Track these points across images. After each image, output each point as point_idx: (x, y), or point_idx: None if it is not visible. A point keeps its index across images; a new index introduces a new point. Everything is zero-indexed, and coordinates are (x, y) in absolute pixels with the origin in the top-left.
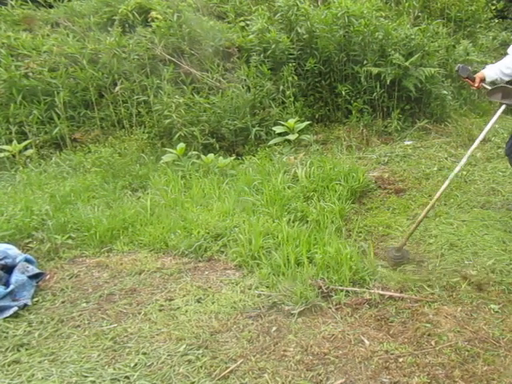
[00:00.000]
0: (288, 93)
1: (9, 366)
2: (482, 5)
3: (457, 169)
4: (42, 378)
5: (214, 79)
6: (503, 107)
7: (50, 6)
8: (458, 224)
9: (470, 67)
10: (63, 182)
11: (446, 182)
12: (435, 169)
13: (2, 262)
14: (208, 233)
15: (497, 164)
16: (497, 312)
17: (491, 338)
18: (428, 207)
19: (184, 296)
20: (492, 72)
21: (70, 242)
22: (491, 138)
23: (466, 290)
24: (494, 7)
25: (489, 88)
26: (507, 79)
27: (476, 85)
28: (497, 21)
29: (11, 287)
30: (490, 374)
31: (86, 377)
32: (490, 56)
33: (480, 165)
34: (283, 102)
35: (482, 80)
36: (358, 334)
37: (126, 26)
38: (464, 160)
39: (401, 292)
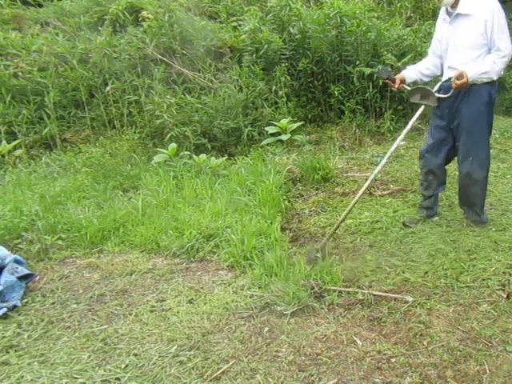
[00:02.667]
0: (280, 93)
1: None
2: None
3: (377, 169)
4: (32, 380)
5: (205, 79)
6: (422, 108)
7: (40, 6)
8: (450, 224)
9: (390, 68)
10: (53, 182)
11: (368, 182)
12: None
13: None
14: (200, 233)
15: None
16: (489, 312)
17: (483, 338)
18: (351, 204)
19: (176, 297)
20: (412, 73)
21: (60, 242)
22: None
23: (459, 290)
24: None
25: (409, 89)
26: (427, 80)
27: (396, 86)
28: None
29: (0, 288)
30: (481, 374)
31: (76, 378)
32: None
33: None
34: (276, 103)
35: (403, 81)
36: (350, 335)
37: (117, 25)
38: (384, 160)
39: (394, 293)
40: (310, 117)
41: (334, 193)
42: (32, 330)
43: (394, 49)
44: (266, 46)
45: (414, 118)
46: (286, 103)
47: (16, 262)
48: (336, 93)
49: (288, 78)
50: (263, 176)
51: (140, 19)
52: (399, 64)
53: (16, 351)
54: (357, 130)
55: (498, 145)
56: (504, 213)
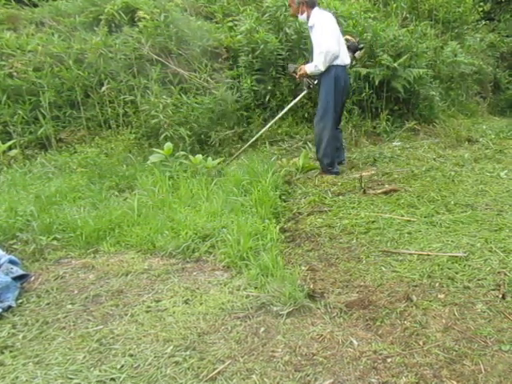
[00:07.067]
0: (277, 94)
1: None
2: (469, 6)
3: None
4: (27, 381)
5: (201, 79)
6: (304, 93)
7: (35, 6)
8: (446, 225)
9: (296, 65)
10: (48, 182)
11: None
12: (423, 169)
13: None
14: (196, 233)
15: (484, 165)
16: (484, 312)
17: (479, 338)
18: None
19: (171, 297)
20: (309, 67)
21: (55, 243)
22: (479, 138)
23: (454, 290)
24: (481, 9)
25: (308, 80)
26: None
27: (297, 76)
28: (484, 22)
29: None
30: (477, 374)
31: (71, 379)
32: (478, 57)
33: (468, 165)
34: (272, 102)
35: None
36: (346, 335)
37: (113, 25)
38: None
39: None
40: (306, 116)
41: (330, 192)
42: (27, 331)
43: (389, 49)
44: (262, 47)
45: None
46: (283, 104)
47: (11, 262)
48: None
49: (284, 78)
50: (260, 176)
51: (136, 19)
52: (395, 64)
53: (11, 352)
54: (353, 131)
55: (493, 145)
56: (499, 213)
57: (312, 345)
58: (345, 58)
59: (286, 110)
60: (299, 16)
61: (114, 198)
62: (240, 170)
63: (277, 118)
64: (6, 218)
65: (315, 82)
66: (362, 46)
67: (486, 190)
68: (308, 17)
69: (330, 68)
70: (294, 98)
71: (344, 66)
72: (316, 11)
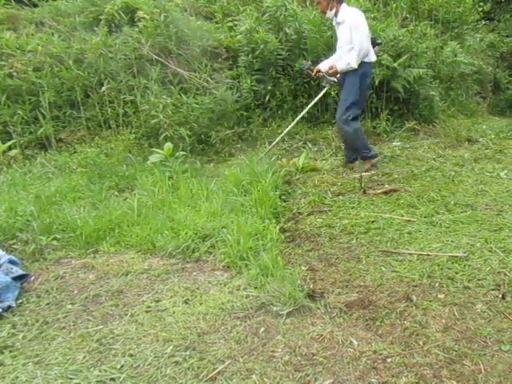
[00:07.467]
0: (277, 94)
1: None
2: (469, 6)
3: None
4: (27, 381)
5: (201, 79)
6: (325, 89)
7: (35, 6)
8: (446, 225)
9: (309, 62)
10: (48, 182)
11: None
12: (423, 169)
13: None
14: (196, 233)
15: (484, 165)
16: (484, 312)
17: (478, 338)
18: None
19: (171, 297)
20: (324, 65)
21: (55, 243)
22: (479, 138)
23: (454, 290)
24: (480, 9)
25: (325, 75)
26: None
27: (313, 73)
28: (484, 22)
29: None
30: (477, 374)
31: (71, 379)
32: (478, 57)
33: (468, 165)
34: (271, 102)
35: (319, 71)
36: (346, 335)
37: (113, 25)
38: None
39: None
40: (306, 116)
41: (330, 192)
42: (27, 331)
43: (389, 49)
44: (262, 47)
45: (319, 96)
46: (282, 104)
47: (11, 262)
48: (332, 93)
49: (284, 78)
50: (260, 176)
51: (136, 19)
52: (395, 64)
53: (11, 352)
54: None
55: (493, 145)
56: (499, 213)
57: (312, 345)
58: (371, 56)
59: (314, 101)
60: (328, 11)
61: (114, 198)
62: (240, 170)
63: (305, 110)
64: (6, 218)
65: (335, 80)
66: (379, 41)
67: (486, 189)
68: (337, 13)
69: (359, 65)
70: (294, 98)
71: (370, 63)
72: (344, 7)
